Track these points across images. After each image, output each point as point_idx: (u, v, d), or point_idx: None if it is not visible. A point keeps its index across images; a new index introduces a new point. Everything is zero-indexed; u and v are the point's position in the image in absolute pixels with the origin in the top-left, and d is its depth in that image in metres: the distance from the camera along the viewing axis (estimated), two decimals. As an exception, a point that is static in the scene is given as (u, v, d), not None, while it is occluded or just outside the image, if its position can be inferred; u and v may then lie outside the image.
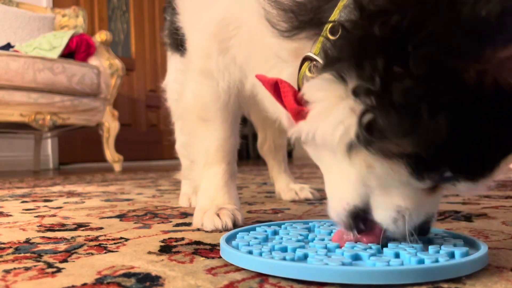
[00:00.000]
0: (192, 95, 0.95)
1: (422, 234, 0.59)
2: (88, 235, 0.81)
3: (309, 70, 0.58)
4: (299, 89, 0.61)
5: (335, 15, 0.54)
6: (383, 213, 0.56)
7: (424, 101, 0.45)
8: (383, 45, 0.45)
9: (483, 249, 0.55)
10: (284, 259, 0.52)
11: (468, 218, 0.92)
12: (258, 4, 0.62)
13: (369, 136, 0.49)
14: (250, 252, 0.57)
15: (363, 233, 0.58)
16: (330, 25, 0.54)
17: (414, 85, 0.44)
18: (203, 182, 0.95)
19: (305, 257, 0.54)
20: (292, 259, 0.53)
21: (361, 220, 0.57)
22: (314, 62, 0.57)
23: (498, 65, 0.43)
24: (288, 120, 0.63)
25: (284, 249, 0.57)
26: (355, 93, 0.49)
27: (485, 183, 0.53)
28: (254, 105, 0.93)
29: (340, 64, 0.50)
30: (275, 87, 0.60)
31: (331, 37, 0.54)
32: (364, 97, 0.48)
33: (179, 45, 1.02)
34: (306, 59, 0.58)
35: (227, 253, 0.59)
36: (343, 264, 0.50)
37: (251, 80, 0.80)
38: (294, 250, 0.57)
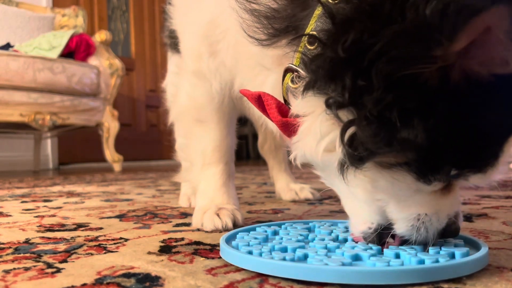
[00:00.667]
0: (187, 97, 0.95)
1: (451, 236, 0.58)
2: (88, 235, 0.80)
3: (292, 81, 0.59)
4: (284, 99, 0.61)
5: (311, 25, 0.54)
6: (404, 225, 0.55)
7: (393, 110, 0.45)
8: (348, 64, 0.47)
9: (484, 249, 0.55)
10: (284, 259, 0.52)
11: (468, 218, 0.92)
12: (235, 13, 0.62)
13: (353, 151, 0.49)
14: (250, 253, 0.56)
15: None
16: (307, 36, 0.54)
17: (382, 96, 0.45)
18: (202, 183, 0.95)
19: (305, 257, 0.54)
20: (292, 259, 0.53)
21: (386, 235, 0.57)
22: (296, 73, 0.58)
23: (457, 59, 0.43)
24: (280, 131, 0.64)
25: (284, 249, 0.57)
26: (327, 104, 0.50)
27: (496, 170, 0.52)
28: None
29: (318, 84, 0.51)
30: (259, 101, 0.61)
31: (309, 47, 0.55)
32: (336, 110, 0.49)
33: (177, 46, 1.03)
34: (288, 70, 0.59)
35: (226, 253, 0.59)
36: (343, 264, 0.50)
37: (239, 82, 0.80)
38: (294, 250, 0.57)
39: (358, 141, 0.49)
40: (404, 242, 0.57)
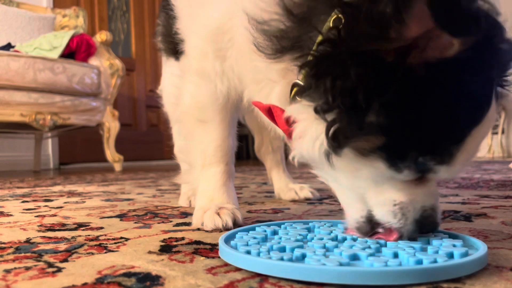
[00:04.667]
0: (190, 97, 0.96)
1: (429, 230, 0.62)
2: (89, 235, 0.81)
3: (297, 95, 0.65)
4: None
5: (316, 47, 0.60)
6: (381, 209, 0.61)
7: (360, 94, 0.52)
8: (328, 67, 0.55)
9: (483, 250, 0.55)
10: (282, 259, 0.52)
11: (467, 218, 0.92)
12: (246, 30, 0.68)
13: (335, 142, 0.56)
14: (248, 252, 0.57)
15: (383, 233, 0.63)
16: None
17: (351, 83, 0.52)
18: (201, 183, 0.96)
19: (303, 257, 0.54)
20: (290, 259, 0.53)
21: (377, 225, 0.62)
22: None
23: (412, 45, 0.49)
24: (286, 138, 0.70)
25: (283, 249, 0.57)
26: (316, 111, 0.57)
27: (461, 164, 0.57)
28: (249, 110, 0.95)
29: (309, 90, 0.58)
30: (269, 112, 0.69)
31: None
32: (323, 113, 0.56)
33: (175, 49, 1.03)
34: (295, 85, 0.64)
35: (224, 252, 0.59)
36: (341, 264, 0.50)
37: (247, 94, 0.83)
38: (292, 250, 0.57)
39: (339, 133, 0.56)
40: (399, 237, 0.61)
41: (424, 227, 0.61)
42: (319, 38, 0.58)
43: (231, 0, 0.77)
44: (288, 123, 0.65)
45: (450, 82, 0.52)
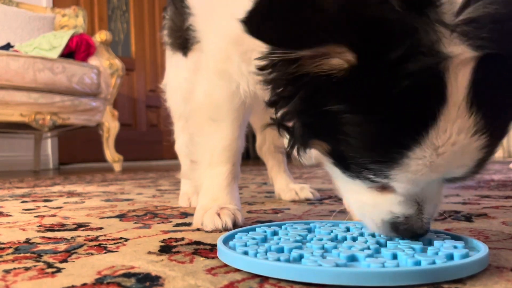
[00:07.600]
0: (203, 95, 0.94)
1: (406, 235, 0.60)
2: (88, 235, 0.81)
3: None
4: None
5: None
6: (354, 209, 0.64)
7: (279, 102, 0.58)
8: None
9: (483, 251, 0.55)
10: (278, 260, 0.52)
11: (468, 218, 0.92)
12: None
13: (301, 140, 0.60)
14: (246, 253, 0.56)
15: None
16: None
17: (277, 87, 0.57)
18: (206, 182, 0.95)
19: (300, 258, 0.53)
20: (287, 260, 0.52)
21: None
22: None
23: (308, 59, 0.51)
24: None
25: (281, 250, 0.57)
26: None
27: (411, 183, 0.53)
28: (255, 107, 0.94)
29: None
30: None
31: None
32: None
33: (182, 44, 1.02)
34: None
35: (222, 253, 0.59)
36: (337, 265, 0.49)
37: None
38: (290, 250, 0.56)
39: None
40: None
41: (399, 232, 0.59)
42: None
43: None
44: None
45: (352, 98, 0.50)
